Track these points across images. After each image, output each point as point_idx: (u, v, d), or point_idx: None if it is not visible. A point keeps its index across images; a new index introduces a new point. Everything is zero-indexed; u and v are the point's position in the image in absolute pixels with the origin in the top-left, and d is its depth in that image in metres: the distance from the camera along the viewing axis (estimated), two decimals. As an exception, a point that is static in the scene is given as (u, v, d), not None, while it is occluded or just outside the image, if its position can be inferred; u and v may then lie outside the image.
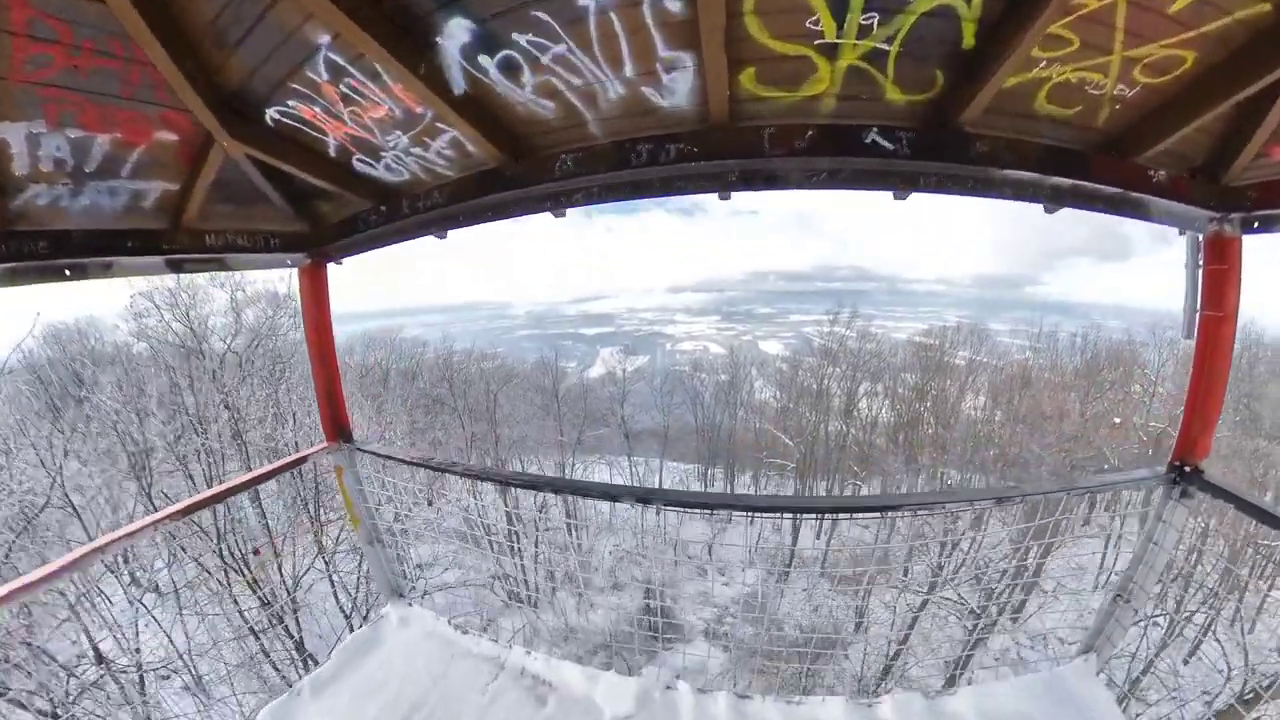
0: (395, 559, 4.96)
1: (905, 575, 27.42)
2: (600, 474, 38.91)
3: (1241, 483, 17.73)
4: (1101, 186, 2.82)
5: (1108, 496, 28.16)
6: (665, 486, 39.19)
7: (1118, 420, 22.31)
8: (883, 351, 37.40)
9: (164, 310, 19.07)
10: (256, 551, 16.69)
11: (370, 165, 3.44)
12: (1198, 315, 3.40)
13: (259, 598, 17.01)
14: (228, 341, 19.51)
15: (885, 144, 2.64)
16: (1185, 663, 17.77)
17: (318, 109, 2.98)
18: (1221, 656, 16.12)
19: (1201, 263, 3.33)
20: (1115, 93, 2.38)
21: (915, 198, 2.89)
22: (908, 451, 34.46)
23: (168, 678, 15.21)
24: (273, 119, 3.07)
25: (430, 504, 17.82)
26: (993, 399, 31.67)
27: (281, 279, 21.44)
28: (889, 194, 2.90)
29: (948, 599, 20.81)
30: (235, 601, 16.41)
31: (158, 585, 17.90)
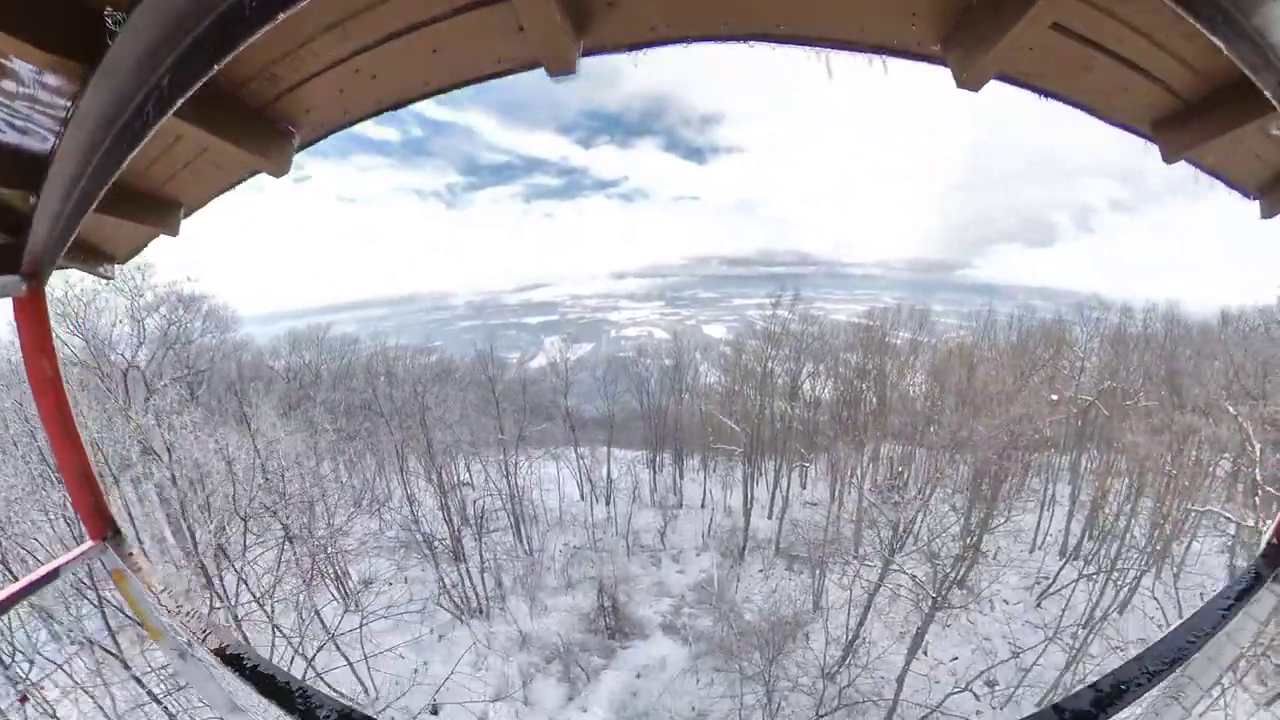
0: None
1: (857, 552, 27.63)
2: (547, 470, 37.34)
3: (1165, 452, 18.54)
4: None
5: (1040, 467, 29.12)
6: (613, 475, 38.02)
7: (1054, 397, 23.08)
8: (824, 334, 37.52)
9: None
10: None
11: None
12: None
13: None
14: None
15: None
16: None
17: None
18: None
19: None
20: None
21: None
22: (851, 430, 34.75)
23: None
24: None
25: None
26: (933, 377, 32.39)
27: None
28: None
29: (900, 571, 20.72)
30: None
31: None
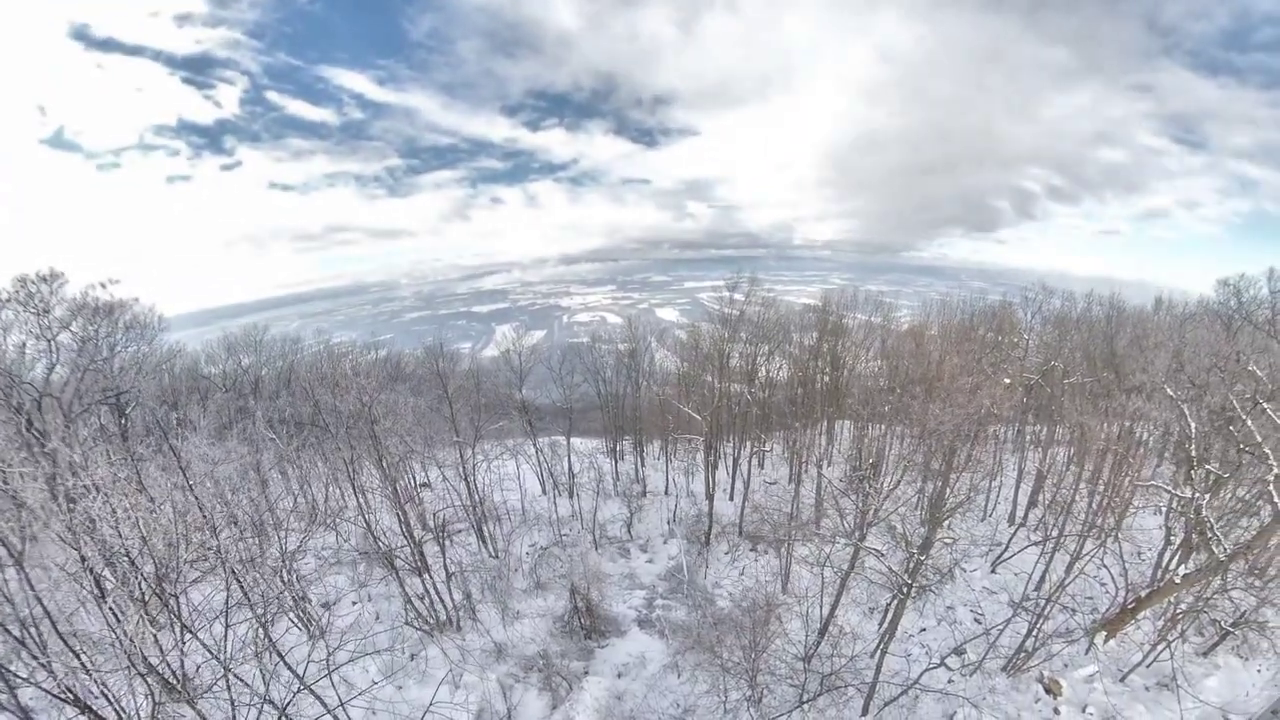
0: None
1: (819, 528, 28.00)
2: (507, 468, 35.94)
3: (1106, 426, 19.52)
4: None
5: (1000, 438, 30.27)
6: (575, 468, 37.03)
7: (1008, 380, 23.89)
8: (780, 317, 37.39)
9: None
10: None
11: None
12: None
13: None
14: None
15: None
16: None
17: None
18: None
19: None
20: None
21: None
22: (807, 410, 35.12)
23: None
24: None
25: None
26: (883, 357, 32.99)
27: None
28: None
29: (875, 553, 20.99)
30: None
31: None
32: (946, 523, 19.66)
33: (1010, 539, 23.64)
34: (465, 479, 30.01)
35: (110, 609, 9.23)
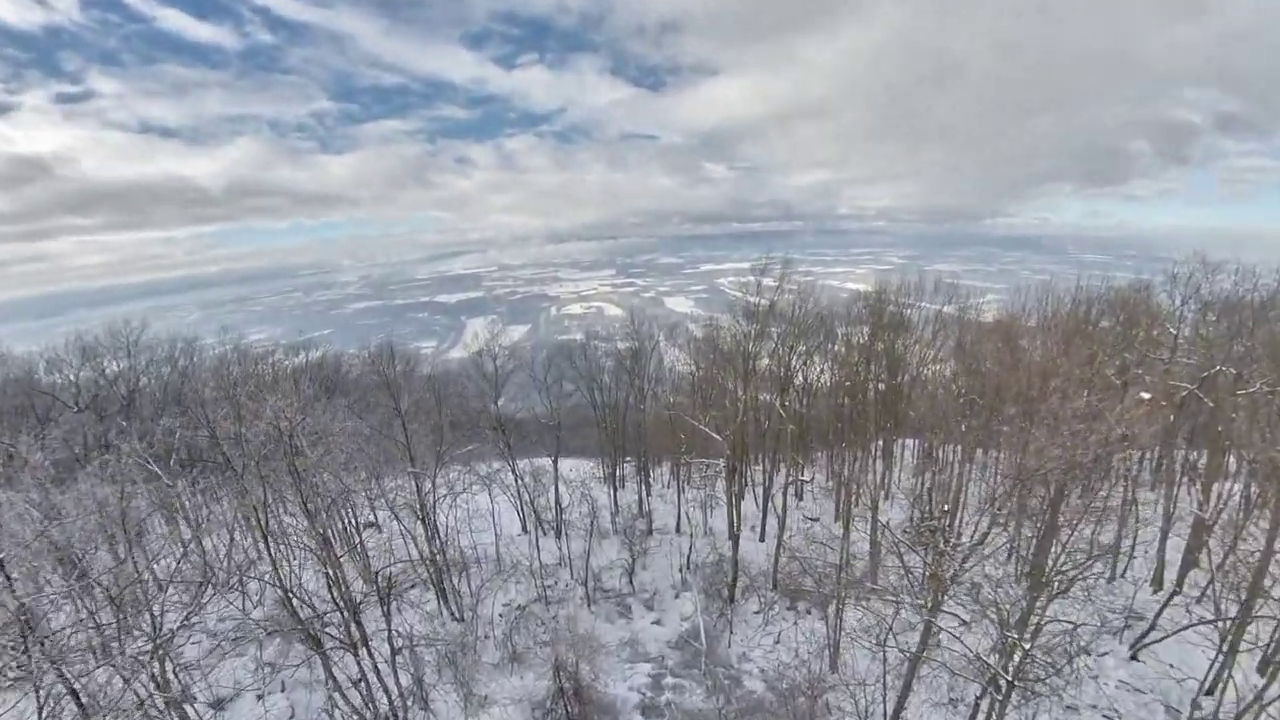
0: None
1: (874, 584, 25.82)
2: (478, 502, 34.12)
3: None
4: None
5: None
6: (564, 500, 35.37)
7: (1145, 396, 21.09)
8: (821, 309, 35.50)
9: None
10: None
11: None
12: None
13: None
14: None
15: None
16: None
17: None
18: None
19: None
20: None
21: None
22: (855, 424, 33.01)
23: None
24: None
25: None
26: (959, 359, 30.62)
27: None
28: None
29: (947, 630, 18.80)
30: None
31: None
32: (1053, 594, 17.35)
33: (1158, 614, 20.85)
34: (423, 519, 28.50)
35: None
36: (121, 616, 14.61)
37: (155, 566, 20.95)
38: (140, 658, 14.44)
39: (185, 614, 16.55)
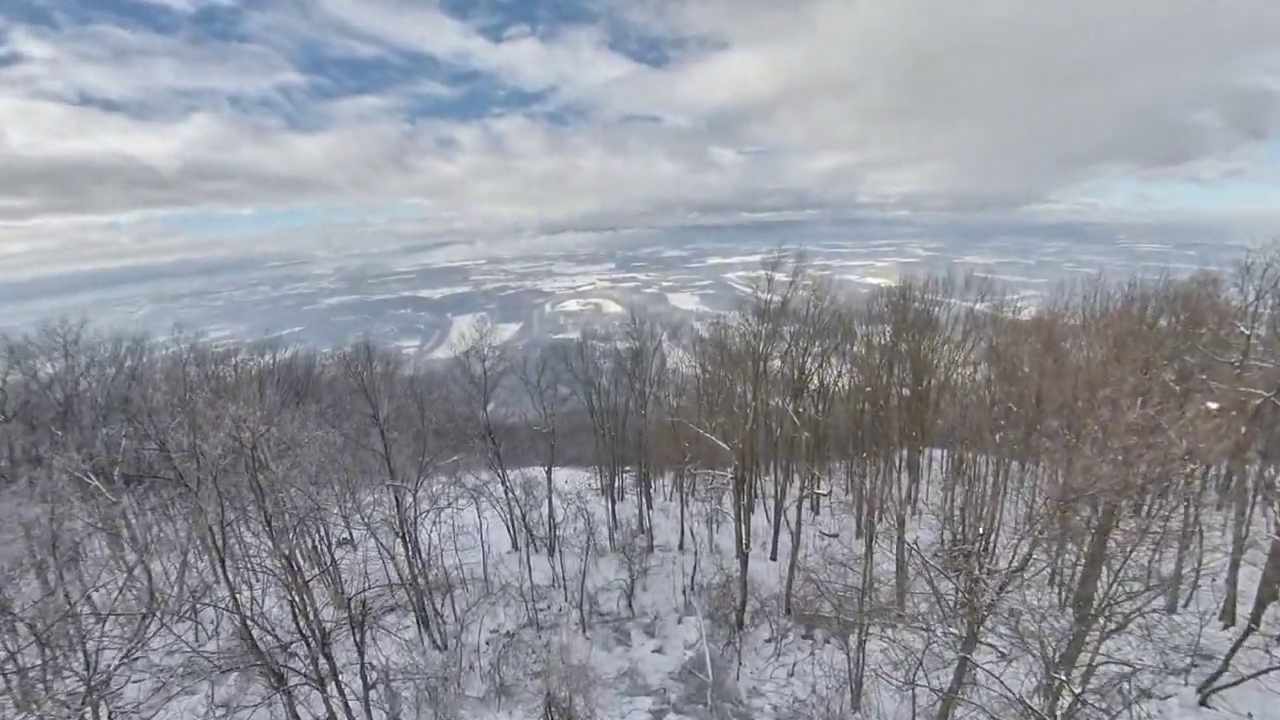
0: None
1: (902, 611, 24.91)
2: (464, 517, 33.44)
3: None
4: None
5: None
6: (557, 514, 34.82)
7: (1213, 406, 19.92)
8: (839, 306, 34.78)
9: None
10: None
11: None
12: None
13: None
14: None
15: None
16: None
17: None
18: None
19: None
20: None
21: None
22: (878, 432, 32.16)
23: None
24: None
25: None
26: (992, 362, 29.60)
27: None
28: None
29: (988, 645, 17.85)
30: None
31: None
32: (1106, 630, 16.40)
33: (1230, 653, 19.59)
34: (403, 536, 27.81)
35: None
36: (49, 655, 13.57)
37: (93, 595, 20.03)
38: (70, 702, 13.43)
39: (126, 649, 15.53)
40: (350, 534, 31.46)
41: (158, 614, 17.68)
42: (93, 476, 19.79)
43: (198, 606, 20.86)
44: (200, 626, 20.76)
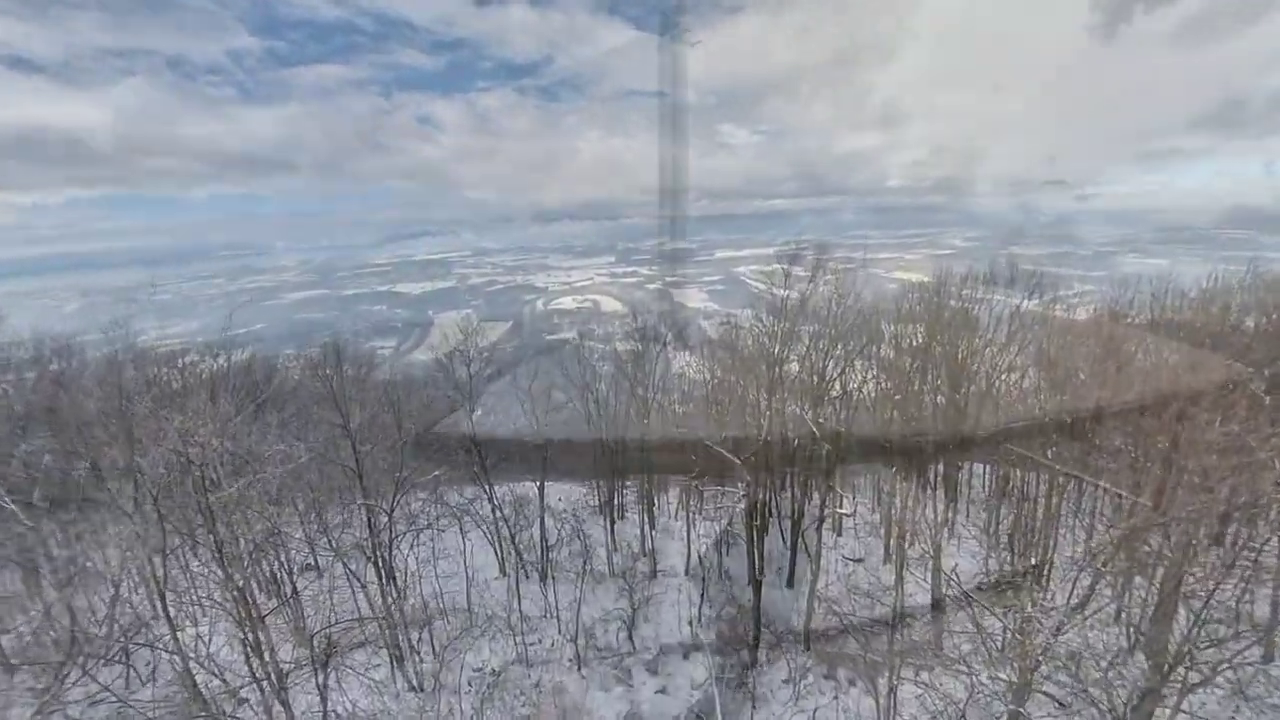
0: None
1: (939, 652, 23.78)
2: (445, 541, 32.76)
3: None
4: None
5: None
6: (549, 537, 34.47)
7: None
8: (865, 304, 34.45)
9: None
10: None
11: None
12: None
13: None
14: None
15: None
16: None
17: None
18: None
19: None
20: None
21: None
22: (908, 445, 31.19)
23: None
24: None
25: None
26: (1045, 370, 28.49)
27: None
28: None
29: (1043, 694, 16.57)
30: None
31: None
32: (1188, 684, 15.11)
33: None
34: (376, 561, 27.19)
35: None
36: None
37: (2, 640, 18.71)
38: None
39: (40, 702, 14.17)
40: (315, 560, 30.62)
41: (78, 660, 16.33)
42: (7, 499, 18.48)
43: (130, 647, 19.63)
44: (133, 670, 19.50)
